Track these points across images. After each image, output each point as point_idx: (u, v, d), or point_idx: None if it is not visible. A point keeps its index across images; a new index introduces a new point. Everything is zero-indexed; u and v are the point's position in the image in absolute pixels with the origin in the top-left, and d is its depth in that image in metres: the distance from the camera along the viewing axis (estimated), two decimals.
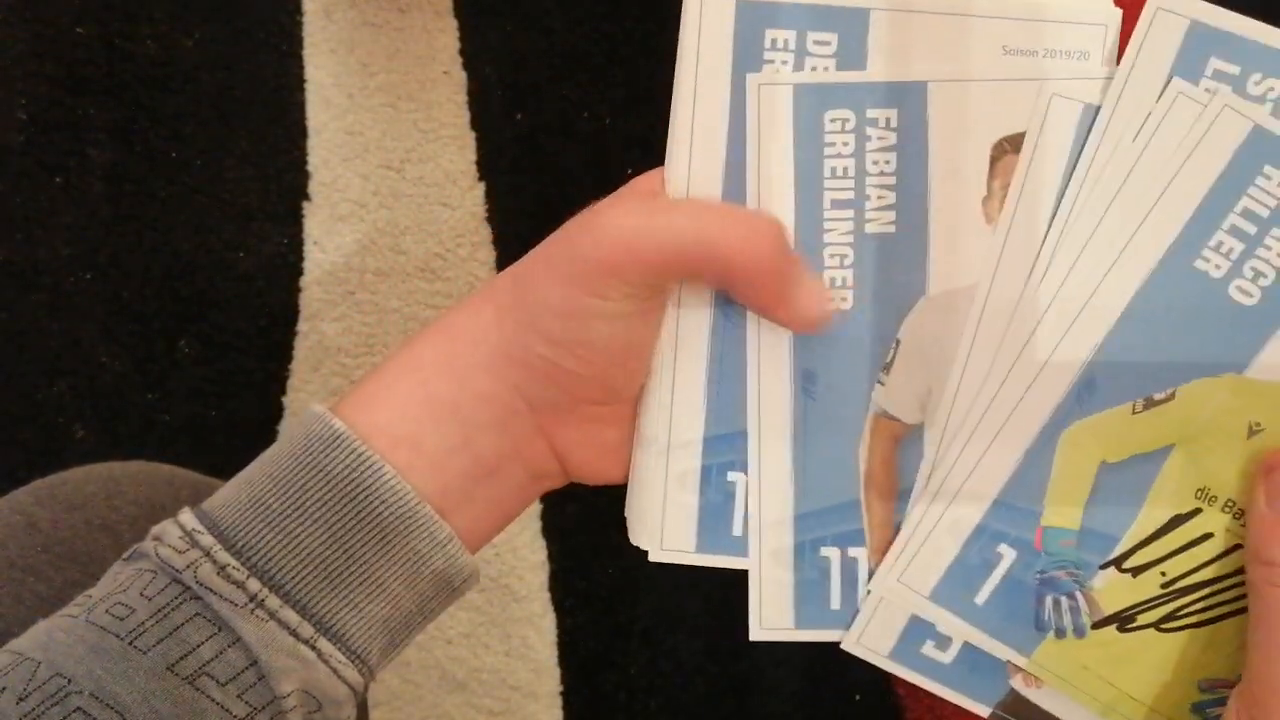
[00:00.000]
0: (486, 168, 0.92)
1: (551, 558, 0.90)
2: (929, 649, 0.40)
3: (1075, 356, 0.37)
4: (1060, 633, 0.38)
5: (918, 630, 0.39)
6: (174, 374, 0.91)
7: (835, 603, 0.40)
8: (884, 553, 0.40)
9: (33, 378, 0.91)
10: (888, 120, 0.38)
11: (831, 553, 0.40)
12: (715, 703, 0.89)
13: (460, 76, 0.92)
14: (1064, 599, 0.38)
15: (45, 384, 0.91)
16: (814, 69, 0.38)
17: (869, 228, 0.38)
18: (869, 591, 0.39)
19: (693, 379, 0.39)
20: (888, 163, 0.38)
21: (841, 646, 0.40)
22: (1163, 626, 0.38)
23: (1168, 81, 0.36)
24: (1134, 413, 0.37)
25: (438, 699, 0.90)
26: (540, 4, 0.92)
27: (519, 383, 0.38)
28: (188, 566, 0.35)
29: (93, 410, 0.91)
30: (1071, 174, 0.37)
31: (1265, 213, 0.36)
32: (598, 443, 0.40)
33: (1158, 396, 0.37)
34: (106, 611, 0.34)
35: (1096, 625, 0.38)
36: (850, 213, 0.38)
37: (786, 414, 0.39)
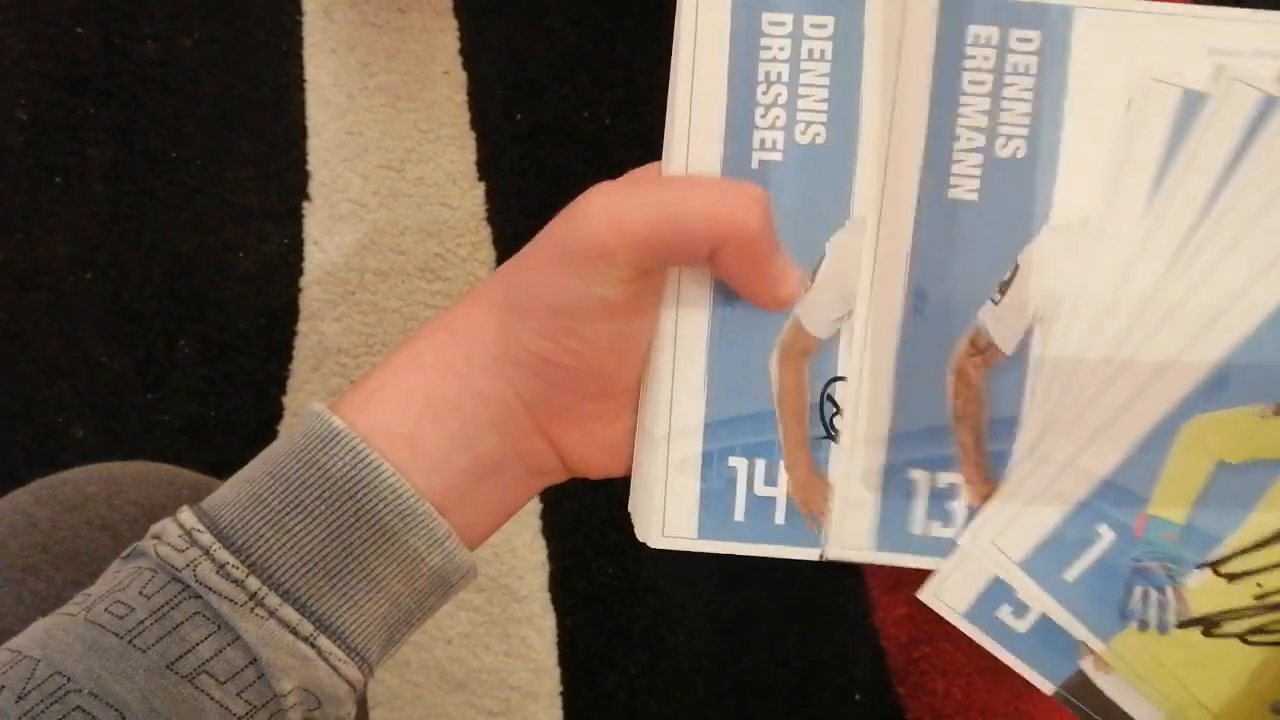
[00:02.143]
0: (487, 168, 0.92)
1: (551, 558, 0.90)
2: (1005, 614, 0.39)
3: (1212, 352, 0.36)
4: (1144, 625, 0.38)
5: (998, 594, 0.39)
6: (174, 374, 0.91)
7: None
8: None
9: (32, 378, 0.91)
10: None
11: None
12: (715, 703, 0.89)
13: (460, 76, 0.92)
14: (1154, 592, 0.38)
15: (45, 384, 0.91)
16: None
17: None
18: (957, 545, 0.39)
19: (692, 365, 0.39)
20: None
21: (917, 595, 0.39)
22: (1249, 639, 0.37)
23: None
24: (1263, 416, 0.36)
25: (438, 699, 0.90)
26: (540, 4, 0.92)
27: (514, 381, 0.37)
28: (187, 565, 0.35)
29: (92, 410, 0.91)
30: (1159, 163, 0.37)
31: None
32: (597, 439, 0.40)
33: None
34: (106, 610, 0.34)
35: (1182, 625, 0.38)
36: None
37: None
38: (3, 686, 0.33)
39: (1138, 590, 0.38)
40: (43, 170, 0.91)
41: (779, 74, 0.38)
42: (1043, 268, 0.38)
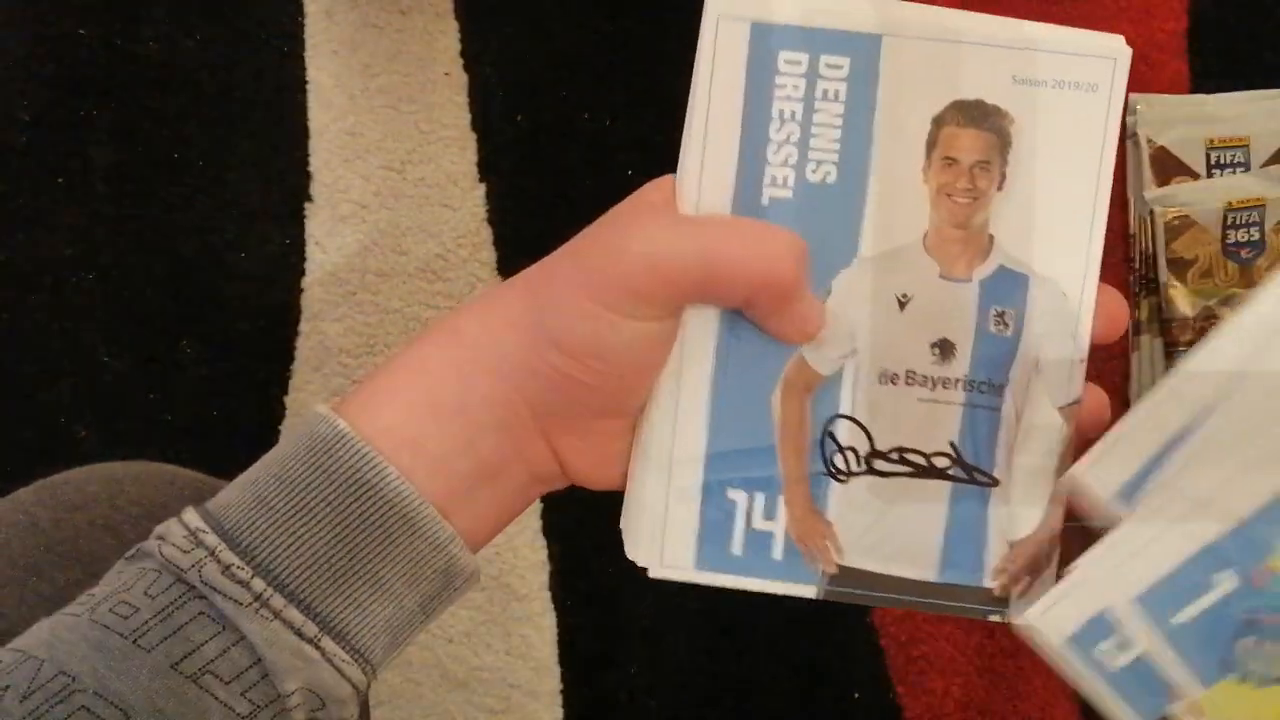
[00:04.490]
0: (487, 169, 0.92)
1: (552, 557, 0.90)
2: (1106, 647, 0.38)
3: None
4: (1245, 677, 0.37)
5: (1102, 626, 0.38)
6: (176, 374, 0.91)
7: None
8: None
9: (35, 378, 0.91)
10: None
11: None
12: (715, 703, 0.89)
13: (461, 78, 0.92)
14: (1266, 644, 0.37)
15: (47, 384, 0.91)
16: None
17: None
18: (1065, 573, 0.38)
19: (698, 394, 0.39)
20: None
21: (1018, 620, 0.38)
22: None
23: None
24: None
25: (439, 697, 0.90)
26: (541, 5, 0.92)
27: (528, 390, 0.38)
28: (192, 566, 0.35)
29: (95, 410, 0.91)
30: None
31: None
32: (597, 452, 0.40)
33: None
34: (110, 610, 0.35)
35: None
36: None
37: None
38: (7, 686, 0.33)
39: (1246, 641, 0.37)
40: (45, 171, 0.92)
41: (793, 112, 0.38)
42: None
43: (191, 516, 0.36)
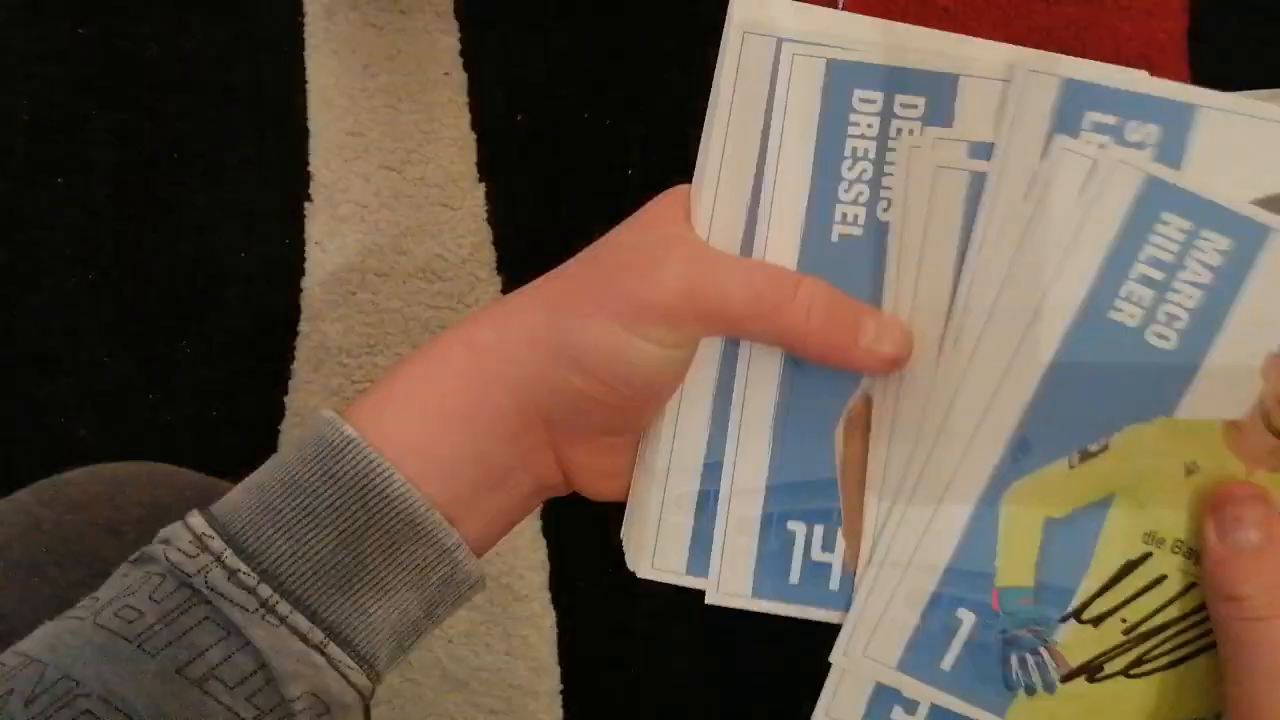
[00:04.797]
0: (487, 168, 0.92)
1: (552, 557, 0.90)
2: (898, 714, 0.39)
3: (1005, 420, 0.37)
4: (1030, 690, 0.38)
5: (886, 697, 0.39)
6: (176, 374, 0.91)
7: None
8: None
9: (35, 378, 0.91)
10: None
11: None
12: (715, 703, 0.90)
13: (461, 78, 0.92)
14: (1029, 656, 0.38)
15: (47, 384, 0.91)
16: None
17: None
18: (830, 664, 0.39)
19: (698, 405, 0.40)
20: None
21: None
22: (1132, 672, 0.38)
23: (1049, 140, 0.36)
24: (1070, 467, 0.37)
25: (439, 697, 0.90)
26: (540, 5, 0.92)
27: (543, 404, 0.38)
28: (198, 571, 0.35)
29: (95, 410, 0.91)
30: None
31: (1169, 258, 0.36)
32: (603, 466, 0.40)
33: (1092, 448, 0.37)
34: (115, 614, 0.35)
35: (1065, 678, 0.38)
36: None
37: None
38: (11, 690, 0.33)
39: (1014, 659, 0.38)
40: (45, 171, 0.92)
41: (865, 150, 0.38)
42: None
43: (197, 521, 0.36)
